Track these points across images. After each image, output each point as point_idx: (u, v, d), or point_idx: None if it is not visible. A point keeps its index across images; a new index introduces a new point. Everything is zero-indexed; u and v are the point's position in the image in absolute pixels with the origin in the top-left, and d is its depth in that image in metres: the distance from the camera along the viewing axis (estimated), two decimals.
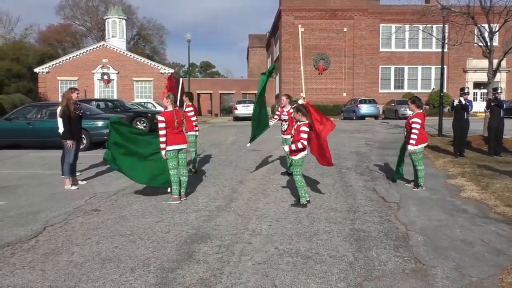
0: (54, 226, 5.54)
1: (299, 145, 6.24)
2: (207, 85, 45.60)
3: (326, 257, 4.39)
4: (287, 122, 8.54)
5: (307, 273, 4.02)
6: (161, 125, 6.42)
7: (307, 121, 6.31)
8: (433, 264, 4.20)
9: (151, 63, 37.07)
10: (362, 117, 28.92)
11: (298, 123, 6.35)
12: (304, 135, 6.22)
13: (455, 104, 11.21)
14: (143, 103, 27.09)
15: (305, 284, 3.80)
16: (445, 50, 18.69)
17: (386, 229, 5.29)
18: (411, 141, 7.21)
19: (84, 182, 8.25)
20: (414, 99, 7.42)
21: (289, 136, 8.34)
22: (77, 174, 8.36)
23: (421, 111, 7.35)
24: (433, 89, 32.96)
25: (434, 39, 30.99)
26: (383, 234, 5.12)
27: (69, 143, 7.79)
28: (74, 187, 7.77)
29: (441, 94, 17.79)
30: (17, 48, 39.40)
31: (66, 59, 35.96)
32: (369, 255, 4.46)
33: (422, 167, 7.37)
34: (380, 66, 36.43)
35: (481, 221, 5.59)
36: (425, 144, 7.42)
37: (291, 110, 8.53)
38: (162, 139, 6.44)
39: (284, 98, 8.84)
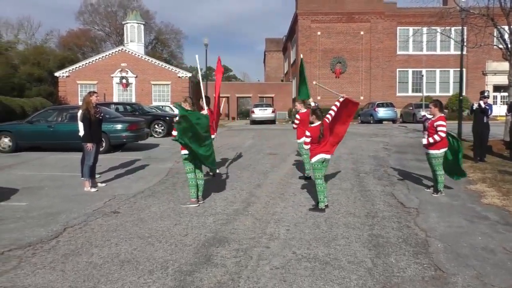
0: (74, 227, 5.62)
1: (305, 140, 6.44)
2: (224, 88, 45.76)
3: (345, 263, 4.35)
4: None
5: (325, 278, 3.99)
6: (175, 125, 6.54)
7: (317, 124, 6.31)
8: (453, 272, 4.13)
9: (168, 67, 37.42)
10: (380, 121, 28.69)
11: (310, 125, 6.43)
12: (307, 139, 6.38)
13: (474, 108, 11.04)
14: (161, 107, 27.33)
15: None
16: (464, 52, 18.42)
17: (405, 235, 5.22)
18: (431, 139, 7.07)
19: (103, 184, 8.35)
20: (436, 103, 7.31)
21: (300, 140, 8.35)
22: (97, 176, 8.47)
23: (443, 114, 7.25)
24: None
25: (452, 42, 30.61)
26: (402, 240, 5.06)
27: (89, 145, 7.90)
28: (93, 189, 7.88)
29: (460, 97, 17.53)
30: (38, 52, 40.17)
31: (86, 63, 36.54)
32: (388, 261, 4.41)
33: (442, 172, 7.26)
34: (398, 69, 36.13)
35: (503, 228, 5.48)
36: (446, 149, 7.31)
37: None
38: (174, 133, 6.54)
39: (297, 104, 8.89)
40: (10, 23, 50.19)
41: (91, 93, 8.13)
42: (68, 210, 6.47)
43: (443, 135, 7.03)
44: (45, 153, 13.09)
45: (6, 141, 13.35)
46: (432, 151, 7.20)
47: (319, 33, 35.80)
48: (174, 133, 6.52)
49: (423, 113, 7.93)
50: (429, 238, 5.12)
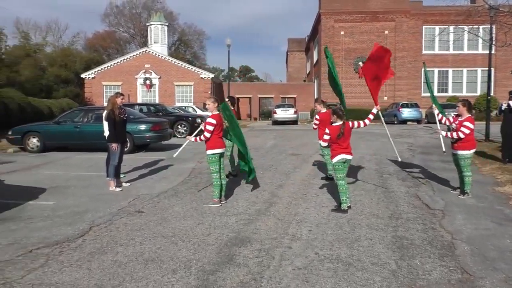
0: (99, 226, 5.72)
1: (324, 137, 6.42)
2: (246, 89, 45.89)
3: (368, 264, 4.31)
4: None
5: (348, 280, 3.96)
6: (209, 127, 6.57)
7: (339, 124, 6.27)
8: (481, 275, 4.04)
9: (191, 68, 37.72)
10: (404, 121, 28.28)
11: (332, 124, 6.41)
12: (326, 137, 6.34)
13: (503, 108, 10.77)
14: (184, 107, 27.59)
15: None
16: (493, 51, 17.99)
17: (430, 237, 5.13)
18: (454, 134, 6.95)
19: (128, 184, 8.47)
20: (465, 102, 7.14)
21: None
22: (121, 176, 8.61)
23: (470, 115, 7.09)
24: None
25: (480, 40, 29.94)
26: (427, 242, 4.97)
27: (114, 145, 8.03)
28: (118, 189, 8.00)
29: (488, 97, 17.13)
30: (65, 54, 41.09)
31: (111, 64, 37.18)
32: (413, 263, 4.34)
33: (470, 173, 7.10)
34: (423, 69, 35.46)
35: None
36: (474, 150, 7.15)
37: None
38: (207, 134, 6.58)
39: (317, 105, 8.86)
40: (39, 26, 51.56)
41: (117, 95, 8.26)
42: (93, 209, 6.60)
43: (462, 135, 6.89)
44: (71, 153, 13.38)
45: (35, 141, 13.70)
46: (461, 152, 7.04)
47: (342, 32, 35.51)
48: (207, 134, 6.58)
49: (436, 111, 7.78)
50: (455, 240, 5.01)
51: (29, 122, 15.98)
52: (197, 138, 6.85)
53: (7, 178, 9.20)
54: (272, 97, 45.62)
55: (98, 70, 36.77)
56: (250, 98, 45.40)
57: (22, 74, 33.98)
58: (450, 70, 35.23)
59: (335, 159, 6.32)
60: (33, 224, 5.83)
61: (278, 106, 32.19)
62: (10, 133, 14.06)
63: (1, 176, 9.38)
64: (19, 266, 4.35)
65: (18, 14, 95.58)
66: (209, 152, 6.67)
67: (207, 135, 6.59)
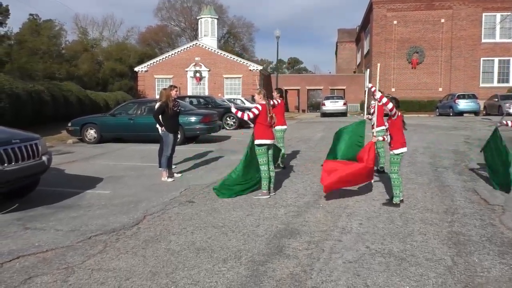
0: (153, 215, 5.90)
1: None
2: (295, 81, 45.62)
3: (422, 260, 4.18)
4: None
5: (401, 275, 3.86)
6: (254, 110, 6.63)
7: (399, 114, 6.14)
8: None
9: (240, 61, 37.96)
10: (460, 113, 27.06)
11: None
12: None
13: None
14: (232, 100, 27.85)
15: (399, 287, 3.64)
16: None
17: (489, 234, 4.90)
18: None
19: (179, 175, 8.68)
20: None
21: (378, 129, 7.85)
22: (173, 167, 8.82)
23: None
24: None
25: None
26: (485, 238, 4.75)
27: (163, 129, 8.25)
28: (170, 179, 8.21)
29: None
30: (120, 49, 42.62)
31: (162, 58, 38.12)
32: (470, 260, 4.16)
33: None
34: (482, 59, 33.66)
35: None
36: None
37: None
38: (251, 114, 6.62)
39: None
40: (96, 21, 53.69)
41: (171, 87, 8.47)
42: (147, 198, 6.81)
43: None
44: (125, 144, 13.88)
45: (92, 132, 14.33)
46: None
47: (395, 22, 34.35)
48: (250, 114, 6.61)
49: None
50: None
51: (87, 114, 16.72)
52: (244, 113, 6.77)
53: (67, 167, 9.69)
54: (320, 89, 45.08)
55: (151, 63, 37.83)
56: (298, 90, 45.12)
57: (80, 68, 35.65)
58: None
59: (398, 151, 6.08)
60: (91, 212, 6.11)
61: (327, 98, 31.77)
62: (69, 124, 14.80)
63: (62, 165, 9.89)
64: (79, 251, 4.57)
65: (77, 10, 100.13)
66: (257, 142, 6.67)
67: (251, 114, 6.62)
